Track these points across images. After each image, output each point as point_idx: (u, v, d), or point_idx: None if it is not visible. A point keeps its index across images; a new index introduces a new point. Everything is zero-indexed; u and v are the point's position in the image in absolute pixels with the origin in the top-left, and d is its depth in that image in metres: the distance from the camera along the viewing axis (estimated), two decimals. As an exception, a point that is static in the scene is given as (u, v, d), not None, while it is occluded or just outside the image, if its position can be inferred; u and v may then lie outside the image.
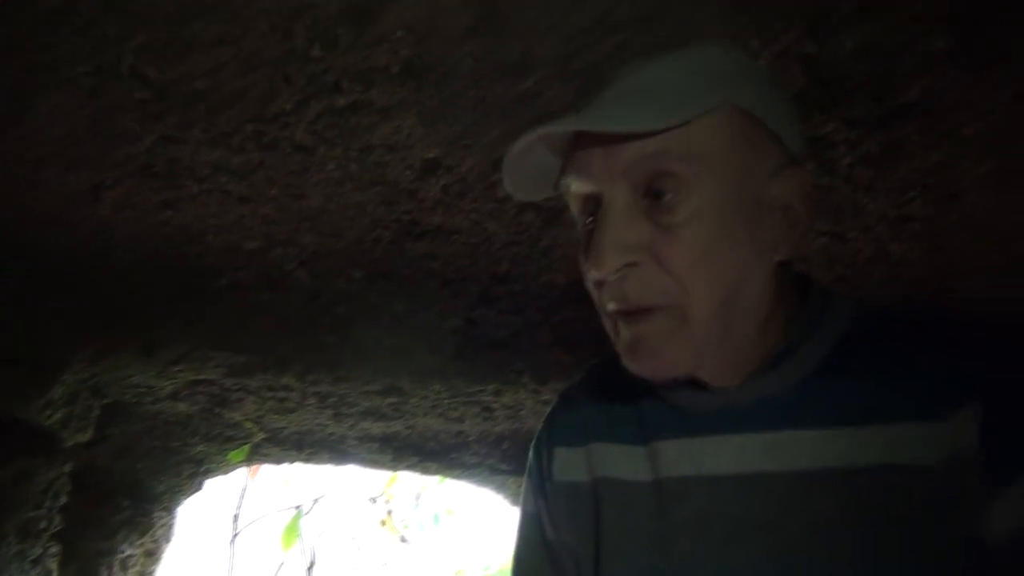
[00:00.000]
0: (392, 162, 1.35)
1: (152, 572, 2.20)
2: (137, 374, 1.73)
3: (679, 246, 0.73)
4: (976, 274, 1.62)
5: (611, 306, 0.77)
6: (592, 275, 0.76)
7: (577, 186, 0.79)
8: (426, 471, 2.33)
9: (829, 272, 1.69)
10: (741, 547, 0.75)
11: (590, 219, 0.79)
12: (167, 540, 2.26)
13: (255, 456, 2.23)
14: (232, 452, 2.13)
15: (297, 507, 3.16)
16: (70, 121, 1.24)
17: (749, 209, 0.75)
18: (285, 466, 2.34)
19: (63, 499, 1.73)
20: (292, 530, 3.07)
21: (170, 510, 2.27)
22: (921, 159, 1.29)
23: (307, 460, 2.25)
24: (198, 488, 2.28)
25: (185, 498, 2.30)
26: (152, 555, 2.15)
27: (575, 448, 0.95)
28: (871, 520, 0.71)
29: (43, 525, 1.69)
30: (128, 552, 2.10)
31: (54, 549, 1.72)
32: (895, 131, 1.22)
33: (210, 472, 2.24)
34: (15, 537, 1.60)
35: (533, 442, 1.04)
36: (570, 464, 0.95)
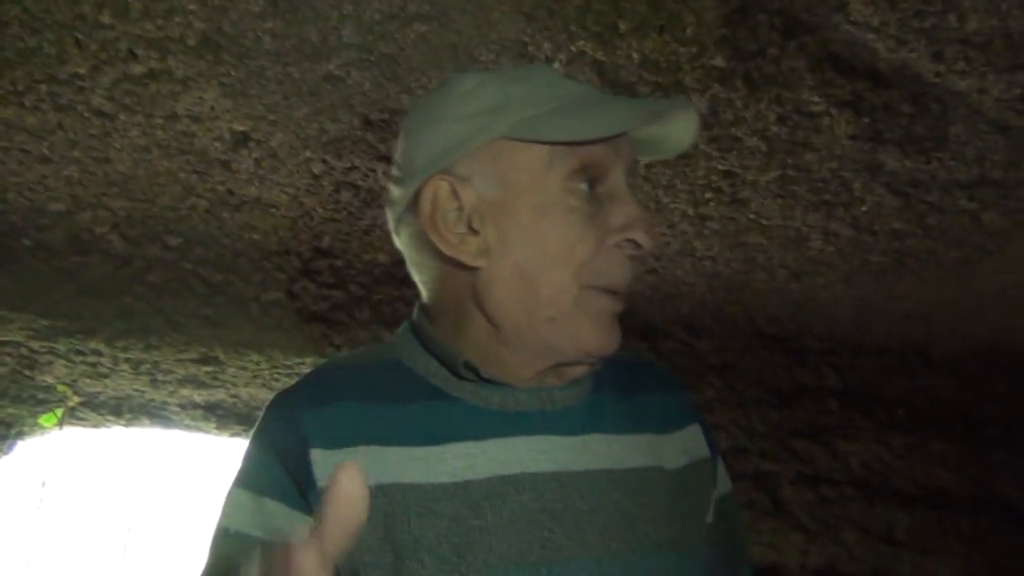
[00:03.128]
0: (199, 132, 1.33)
1: None
2: (-70, 334, 1.64)
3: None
4: (770, 271, 1.73)
5: (600, 281, 0.77)
6: (642, 241, 0.77)
7: (629, 154, 0.81)
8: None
9: (641, 264, 1.77)
10: (562, 539, 0.78)
11: (584, 184, 0.78)
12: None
13: (71, 420, 2.15)
14: (44, 416, 2.05)
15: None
16: None
17: None
18: (104, 431, 2.26)
19: None
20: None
21: (-23, 473, 2.16)
22: (712, 165, 1.37)
23: (128, 425, 2.19)
24: (7, 452, 2.18)
25: (-6, 461, 2.20)
26: None
27: (338, 449, 0.77)
28: (651, 511, 0.81)
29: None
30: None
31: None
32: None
33: (21, 435, 2.15)
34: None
35: (259, 449, 0.79)
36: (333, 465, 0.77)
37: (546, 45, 1.11)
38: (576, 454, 0.82)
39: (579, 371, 0.82)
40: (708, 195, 1.47)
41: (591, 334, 0.77)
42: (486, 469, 0.78)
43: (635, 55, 1.12)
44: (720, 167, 1.37)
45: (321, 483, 0.75)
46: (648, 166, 1.38)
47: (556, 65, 1.14)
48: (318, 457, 0.75)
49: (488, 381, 0.80)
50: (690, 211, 1.53)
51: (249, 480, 0.78)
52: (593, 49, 1.11)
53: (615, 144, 0.78)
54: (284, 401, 0.80)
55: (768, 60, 1.14)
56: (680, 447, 0.88)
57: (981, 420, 2.18)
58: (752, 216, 1.53)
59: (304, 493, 0.75)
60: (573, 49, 1.12)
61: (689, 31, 1.07)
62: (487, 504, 0.77)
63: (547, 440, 0.81)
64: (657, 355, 2.06)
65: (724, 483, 0.93)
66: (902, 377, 2.18)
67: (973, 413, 2.21)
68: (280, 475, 0.76)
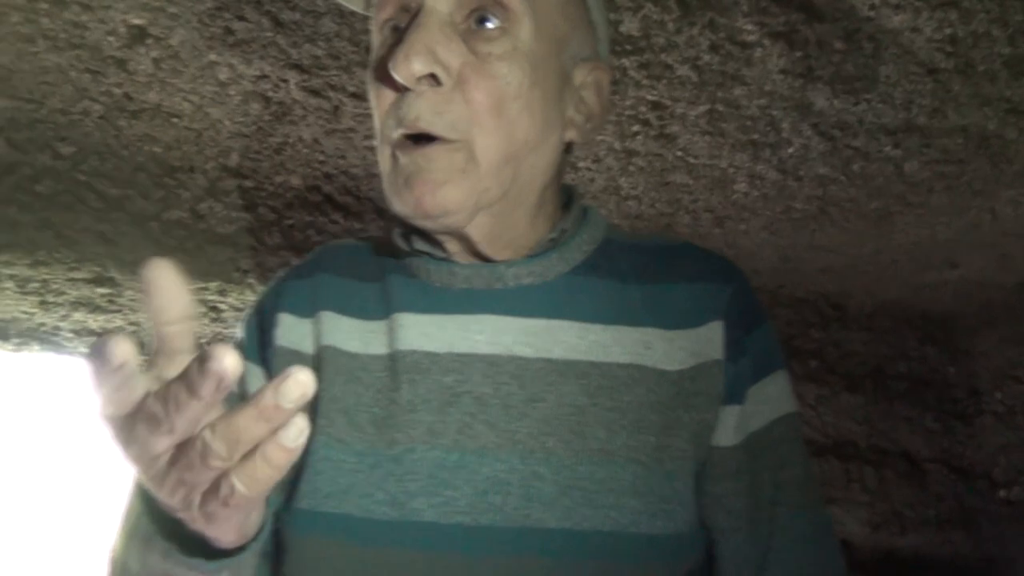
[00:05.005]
0: (91, 23, 1.21)
1: None
2: None
3: (488, 79, 0.70)
4: (694, 215, 1.71)
5: (397, 131, 0.72)
6: (395, 76, 0.70)
7: None
8: (157, 371, 2.20)
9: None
10: (483, 427, 0.73)
11: (399, 31, 0.73)
12: None
13: (-47, 344, 2.01)
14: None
15: None
16: None
17: (556, 78, 0.75)
18: (-9, 356, 2.13)
19: None
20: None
21: None
22: (640, 94, 1.32)
23: (16, 350, 2.06)
24: None
25: None
26: None
27: (303, 318, 0.83)
28: (616, 414, 0.72)
29: None
30: None
31: None
32: (615, 62, 1.24)
33: None
34: None
35: (246, 313, 0.91)
36: (295, 332, 0.83)
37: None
38: (526, 338, 0.76)
39: (485, 244, 0.77)
40: (635, 128, 1.42)
41: (397, 195, 0.73)
42: (415, 343, 0.76)
43: (565, -37, 1.05)
44: (649, 97, 1.32)
45: (279, 342, 0.81)
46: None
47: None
48: (285, 320, 0.82)
49: (428, 255, 0.79)
50: (617, 145, 1.48)
51: (236, 337, 0.88)
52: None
53: None
54: (282, 273, 0.89)
55: (702, -20, 1.09)
56: (688, 346, 0.76)
57: (890, 375, 2.23)
58: (679, 153, 1.49)
59: (263, 350, 0.83)
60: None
61: (623, -61, 1.01)
62: (406, 377, 0.75)
63: (489, 320, 0.76)
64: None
65: (765, 409, 0.77)
66: (817, 329, 2.20)
67: (882, 368, 2.25)
68: (253, 333, 0.85)
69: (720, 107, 1.34)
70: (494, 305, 0.77)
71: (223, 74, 1.34)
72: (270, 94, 1.39)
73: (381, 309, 0.81)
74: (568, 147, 0.82)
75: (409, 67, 0.68)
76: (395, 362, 0.77)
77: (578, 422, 0.72)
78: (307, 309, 0.84)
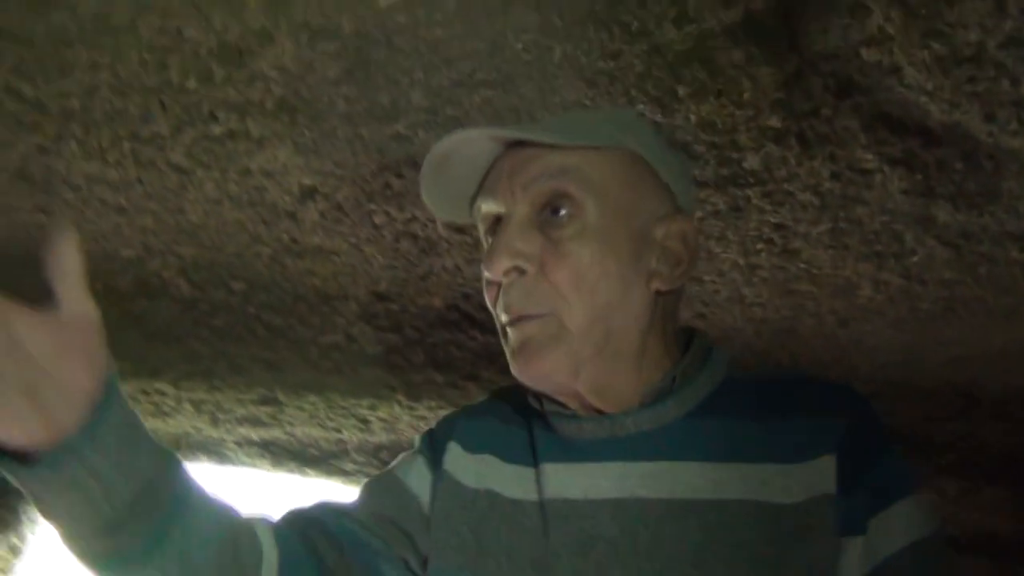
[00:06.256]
0: (270, 186, 1.39)
1: (14, 567, 2.17)
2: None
3: (563, 259, 0.83)
4: (818, 317, 1.75)
5: (503, 316, 0.86)
6: (486, 276, 0.86)
7: (487, 206, 0.88)
8: (306, 476, 2.35)
9: (690, 308, 1.80)
10: (620, 569, 0.80)
11: (493, 238, 0.88)
12: (32, 535, 2.22)
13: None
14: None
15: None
16: (-60, 126, 1.24)
17: (634, 240, 0.86)
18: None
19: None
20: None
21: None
22: (764, 218, 1.40)
23: (185, 460, 2.25)
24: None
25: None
26: (15, 551, 2.12)
27: (470, 453, 0.95)
28: (736, 550, 0.78)
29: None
30: (-9, 548, 2.06)
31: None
32: (739, 193, 1.32)
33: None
34: None
35: (422, 433, 1.04)
36: (462, 464, 0.95)
37: (606, 106, 1.15)
38: (647, 481, 0.83)
39: (599, 400, 0.86)
40: (759, 246, 1.49)
41: (513, 367, 0.86)
42: (557, 492, 0.86)
43: (692, 117, 1.16)
44: (772, 220, 1.40)
45: (446, 467, 0.95)
46: (700, 219, 1.41)
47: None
48: (453, 449, 0.96)
49: (557, 411, 0.90)
50: (740, 261, 1.56)
51: (414, 445, 1.02)
52: (652, 112, 1.15)
53: (487, 195, 0.89)
54: (462, 408, 1.05)
55: (822, 120, 1.17)
56: (802, 480, 0.79)
57: (1032, 466, 2.16)
58: (802, 265, 1.55)
59: (435, 466, 0.96)
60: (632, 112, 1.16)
61: (746, 95, 1.11)
62: (552, 524, 0.84)
63: (614, 467, 0.85)
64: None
65: (893, 538, 0.77)
66: (949, 421, 2.17)
67: (1023, 458, 2.19)
68: (427, 448, 0.99)
69: (843, 224, 1.40)
70: (618, 452, 0.86)
71: (379, 219, 1.49)
72: (419, 233, 1.54)
73: (530, 457, 0.91)
74: (668, 294, 0.90)
75: (495, 270, 0.84)
76: (544, 509, 0.86)
77: (700, 560, 0.78)
78: (473, 447, 0.96)
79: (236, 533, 0.85)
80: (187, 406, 1.84)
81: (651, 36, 1.00)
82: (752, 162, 1.25)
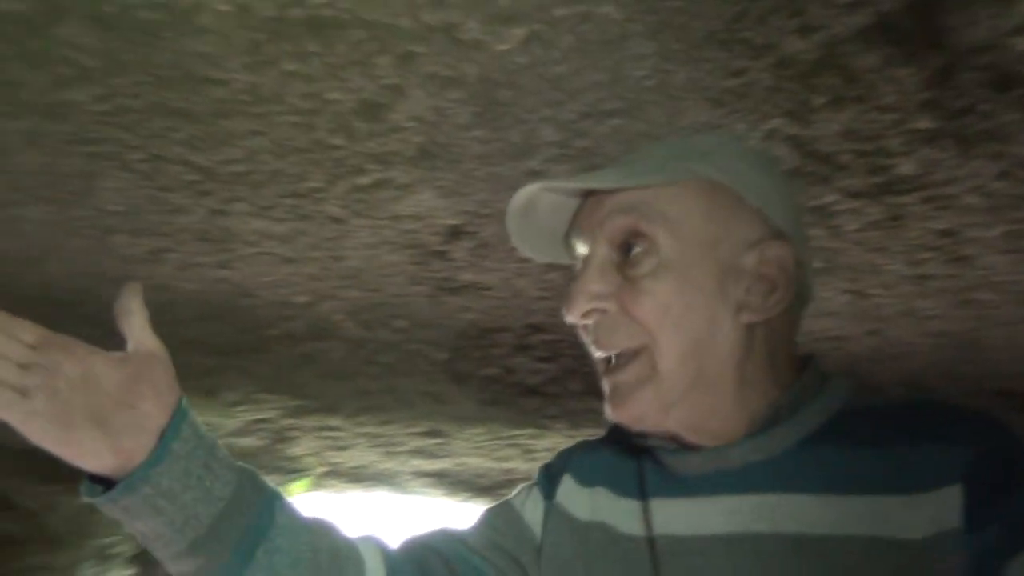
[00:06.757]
0: (420, 228, 1.46)
1: None
2: (202, 414, 1.88)
3: (640, 295, 0.80)
4: (1000, 327, 1.61)
5: (594, 352, 0.85)
6: (565, 318, 0.86)
7: (576, 246, 0.89)
8: (480, 504, 2.42)
9: (860, 326, 1.71)
10: None
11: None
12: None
13: (318, 487, 2.37)
14: (295, 483, 2.27)
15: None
16: (131, 197, 1.39)
17: (714, 273, 0.82)
18: (347, 496, 2.47)
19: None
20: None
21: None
22: (926, 225, 1.31)
23: (367, 491, 2.38)
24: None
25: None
26: None
27: (583, 487, 0.96)
28: None
29: (118, 549, 1.85)
30: None
31: (128, 572, 1.88)
32: (895, 201, 1.25)
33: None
34: (92, 561, 1.77)
35: (541, 465, 1.06)
36: (574, 497, 0.96)
37: (738, 126, 1.13)
38: (759, 514, 0.79)
39: (699, 437, 0.84)
40: (926, 255, 1.40)
41: (607, 410, 0.84)
42: (666, 528, 0.85)
43: (834, 126, 1.10)
44: (936, 226, 1.31)
45: (558, 499, 0.96)
46: (857, 230, 1.34)
47: (750, 143, 1.15)
48: (567, 481, 0.97)
49: (680, 447, 0.86)
50: (907, 271, 1.46)
51: (533, 478, 1.04)
52: (786, 125, 1.11)
53: (572, 233, 0.89)
54: (578, 441, 1.04)
55: (980, 117, 1.09)
56: (928, 512, 0.72)
57: None
58: (980, 272, 1.43)
59: (549, 497, 0.98)
60: (766, 128, 1.13)
61: (889, 99, 1.05)
62: (662, 559, 0.83)
63: (724, 501, 0.82)
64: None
65: None
66: None
67: None
68: (544, 479, 1.01)
69: (1018, 226, 1.29)
70: (727, 485, 0.82)
71: (525, 253, 1.53)
72: (566, 263, 1.56)
73: (639, 491, 0.89)
74: (769, 322, 0.83)
75: (571, 313, 0.83)
76: (652, 545, 0.85)
77: None
78: (587, 480, 0.96)
79: (335, 554, 0.88)
80: (361, 440, 1.95)
81: (776, 49, 0.97)
82: (906, 167, 1.18)
